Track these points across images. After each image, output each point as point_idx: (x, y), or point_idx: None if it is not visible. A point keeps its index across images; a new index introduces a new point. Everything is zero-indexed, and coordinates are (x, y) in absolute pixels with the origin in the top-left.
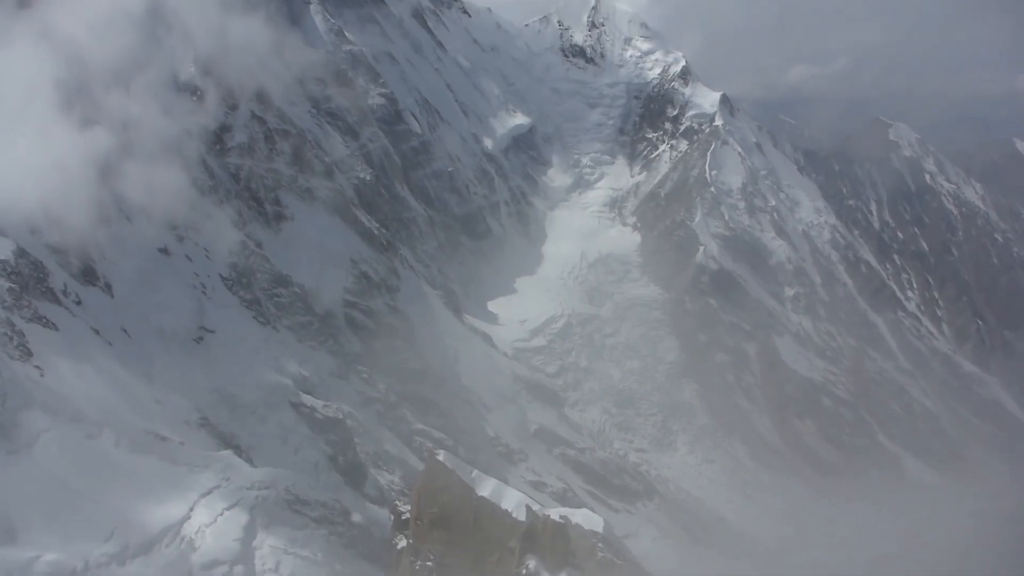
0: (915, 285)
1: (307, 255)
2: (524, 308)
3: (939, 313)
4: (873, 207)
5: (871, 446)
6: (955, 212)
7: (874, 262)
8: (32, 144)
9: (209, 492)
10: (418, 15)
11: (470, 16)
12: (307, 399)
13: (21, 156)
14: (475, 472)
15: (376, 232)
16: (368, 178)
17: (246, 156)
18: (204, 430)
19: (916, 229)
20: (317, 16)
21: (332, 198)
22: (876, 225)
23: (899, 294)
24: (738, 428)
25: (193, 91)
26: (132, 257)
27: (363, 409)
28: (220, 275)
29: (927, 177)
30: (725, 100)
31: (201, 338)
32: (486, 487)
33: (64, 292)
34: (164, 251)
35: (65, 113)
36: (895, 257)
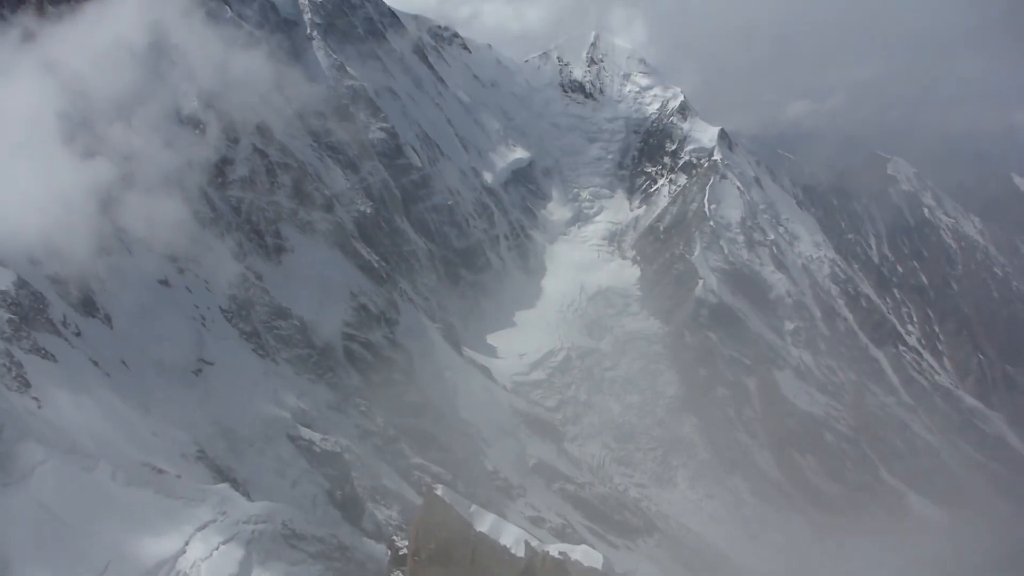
0: (915, 319)
1: (307, 288)
2: (523, 342)
3: (940, 347)
4: (872, 241)
5: (873, 482)
6: (954, 246)
7: (874, 296)
8: (34, 175)
9: (205, 526)
10: (419, 51)
11: (471, 52)
12: (305, 432)
13: (23, 187)
14: (473, 507)
15: (376, 265)
16: (368, 211)
17: (247, 189)
18: (201, 463)
19: (916, 263)
20: (319, 51)
21: (332, 231)
22: (876, 259)
23: (900, 328)
24: (739, 463)
25: (195, 124)
26: (132, 288)
27: (361, 443)
28: (220, 307)
29: (926, 211)
30: (723, 135)
31: (200, 370)
32: (484, 522)
33: (64, 323)
34: (164, 283)
35: (67, 145)
36: (895, 291)
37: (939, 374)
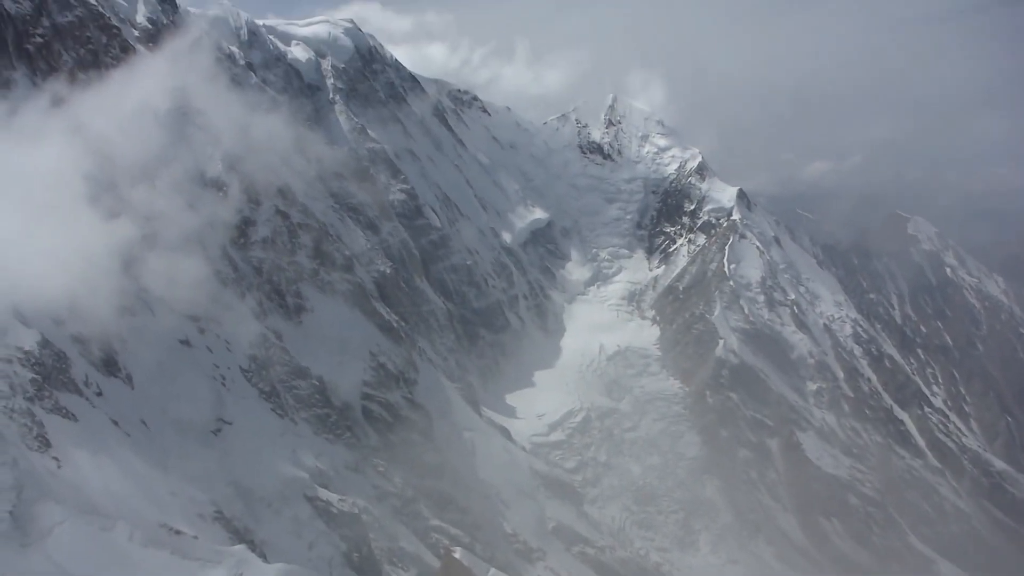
0: (940, 380)
1: (326, 347)
2: (542, 402)
3: (967, 409)
4: (895, 301)
5: (902, 548)
6: (978, 306)
7: (898, 357)
8: (59, 235)
9: None
10: (439, 114)
11: (490, 115)
12: (323, 493)
13: (48, 247)
14: (492, 571)
15: (395, 325)
16: (388, 271)
17: (268, 249)
18: (219, 523)
19: (939, 323)
20: (341, 115)
21: (352, 291)
22: (898, 319)
23: (925, 389)
24: (763, 527)
25: (218, 186)
26: (153, 348)
27: (379, 504)
28: (240, 366)
29: (948, 271)
30: (742, 195)
31: (219, 430)
32: None
33: (85, 383)
34: (185, 342)
35: (92, 206)
36: (919, 351)
37: (966, 436)
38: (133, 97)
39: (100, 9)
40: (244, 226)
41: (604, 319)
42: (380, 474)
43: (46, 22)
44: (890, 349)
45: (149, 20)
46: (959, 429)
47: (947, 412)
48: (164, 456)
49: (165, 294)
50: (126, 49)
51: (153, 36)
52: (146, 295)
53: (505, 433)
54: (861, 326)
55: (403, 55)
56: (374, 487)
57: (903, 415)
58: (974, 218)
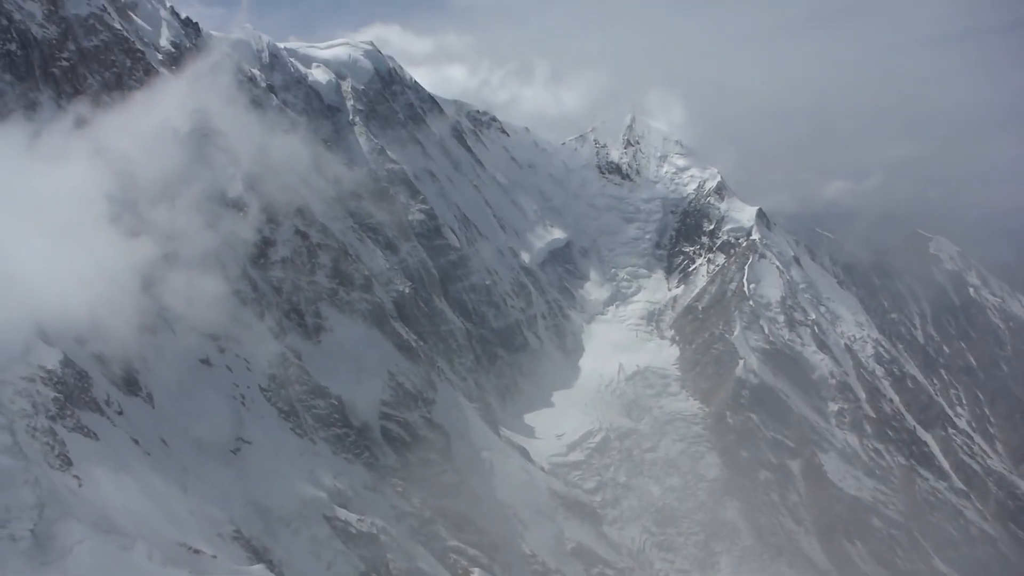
0: (964, 401)
1: (345, 367)
2: (561, 422)
3: (991, 430)
4: (917, 321)
5: (926, 571)
6: (1002, 326)
7: (920, 377)
8: (81, 255)
9: None
10: (458, 134)
11: (508, 135)
12: (341, 512)
13: (71, 266)
14: None
15: (413, 344)
16: (407, 291)
17: (288, 269)
18: (237, 543)
19: (962, 343)
20: (361, 136)
21: (371, 310)
22: (921, 339)
23: (948, 410)
24: (784, 549)
25: (238, 206)
26: (173, 367)
27: (397, 524)
28: (259, 386)
29: (971, 291)
30: (761, 214)
31: (238, 449)
32: None
33: (107, 402)
34: (205, 361)
35: (113, 225)
36: (942, 372)
37: (991, 458)
38: (155, 118)
39: (125, 34)
40: (264, 246)
41: (623, 339)
42: (398, 494)
43: (72, 46)
44: (913, 369)
45: (172, 44)
46: (984, 451)
47: (971, 433)
48: (184, 475)
49: (185, 313)
50: (149, 72)
51: (176, 59)
52: (167, 314)
53: (524, 453)
54: (883, 346)
55: (423, 76)
56: (392, 507)
57: (926, 436)
58: (996, 237)
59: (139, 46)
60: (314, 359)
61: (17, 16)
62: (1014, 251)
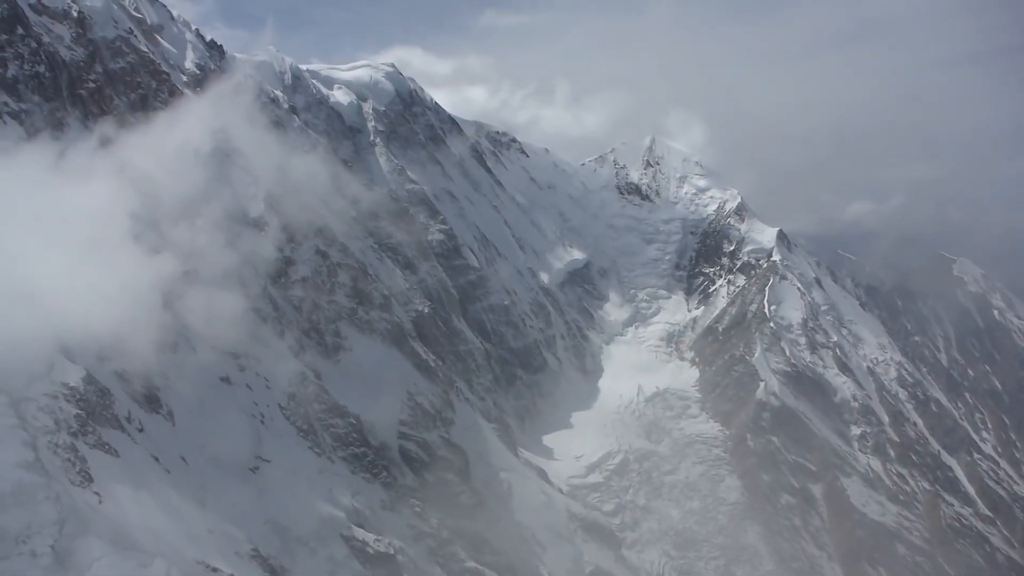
0: (990, 425)
1: (364, 386)
2: (580, 443)
3: (1018, 455)
4: (940, 344)
5: None
6: None
7: (945, 401)
8: (103, 272)
9: None
10: (477, 155)
11: (528, 156)
12: (359, 532)
13: (93, 282)
14: None
15: (432, 364)
16: (426, 311)
17: (308, 288)
18: (255, 561)
19: (987, 367)
20: (381, 156)
21: (390, 330)
22: (944, 362)
23: (973, 435)
24: (806, 575)
25: (259, 225)
26: (194, 384)
27: (414, 544)
28: (279, 404)
29: (995, 313)
30: (782, 235)
31: (257, 467)
32: None
33: (128, 419)
34: (226, 380)
35: (136, 243)
36: (967, 395)
37: (1018, 484)
38: (178, 138)
39: (151, 56)
40: (284, 264)
41: (642, 360)
42: (416, 514)
43: (99, 68)
44: (937, 393)
45: (197, 65)
46: (1010, 476)
47: (997, 458)
48: (203, 493)
49: (205, 331)
50: (174, 93)
51: (200, 81)
52: (187, 332)
53: (542, 475)
54: (906, 369)
55: (443, 98)
56: (410, 527)
57: (951, 461)
58: (1018, 258)
59: (164, 68)
60: (333, 378)
61: (46, 39)
62: None
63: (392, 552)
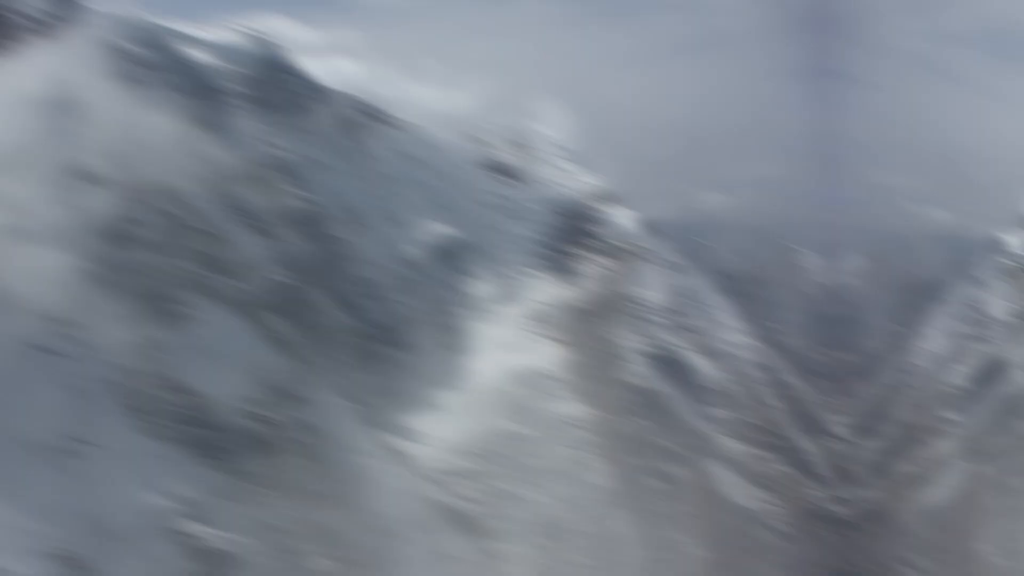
0: (844, 408)
1: (208, 360)
2: (444, 425)
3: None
4: (795, 330)
5: None
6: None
7: (801, 384)
8: None
9: None
10: (345, 125)
11: (397, 129)
12: (192, 525)
13: None
14: None
15: (287, 338)
16: (283, 281)
17: (151, 252)
18: (60, 561)
19: (839, 352)
20: (242, 119)
21: (242, 300)
22: (797, 347)
23: (829, 417)
24: (674, 561)
25: (99, 182)
26: (2, 352)
27: (257, 538)
28: (106, 378)
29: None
30: (645, 221)
31: (76, 451)
32: None
33: None
34: (42, 348)
35: None
36: (820, 379)
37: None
38: (10, 83)
39: None
40: (125, 224)
41: (508, 339)
42: (260, 504)
43: None
44: (793, 377)
45: (43, 12)
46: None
47: (852, 441)
48: (7, 481)
49: (24, 291)
50: (12, 37)
51: (45, 27)
52: (3, 292)
53: (403, 459)
54: (763, 353)
55: (312, 67)
56: (252, 519)
57: (809, 445)
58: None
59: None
60: (174, 350)
61: None
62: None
63: (230, 548)
